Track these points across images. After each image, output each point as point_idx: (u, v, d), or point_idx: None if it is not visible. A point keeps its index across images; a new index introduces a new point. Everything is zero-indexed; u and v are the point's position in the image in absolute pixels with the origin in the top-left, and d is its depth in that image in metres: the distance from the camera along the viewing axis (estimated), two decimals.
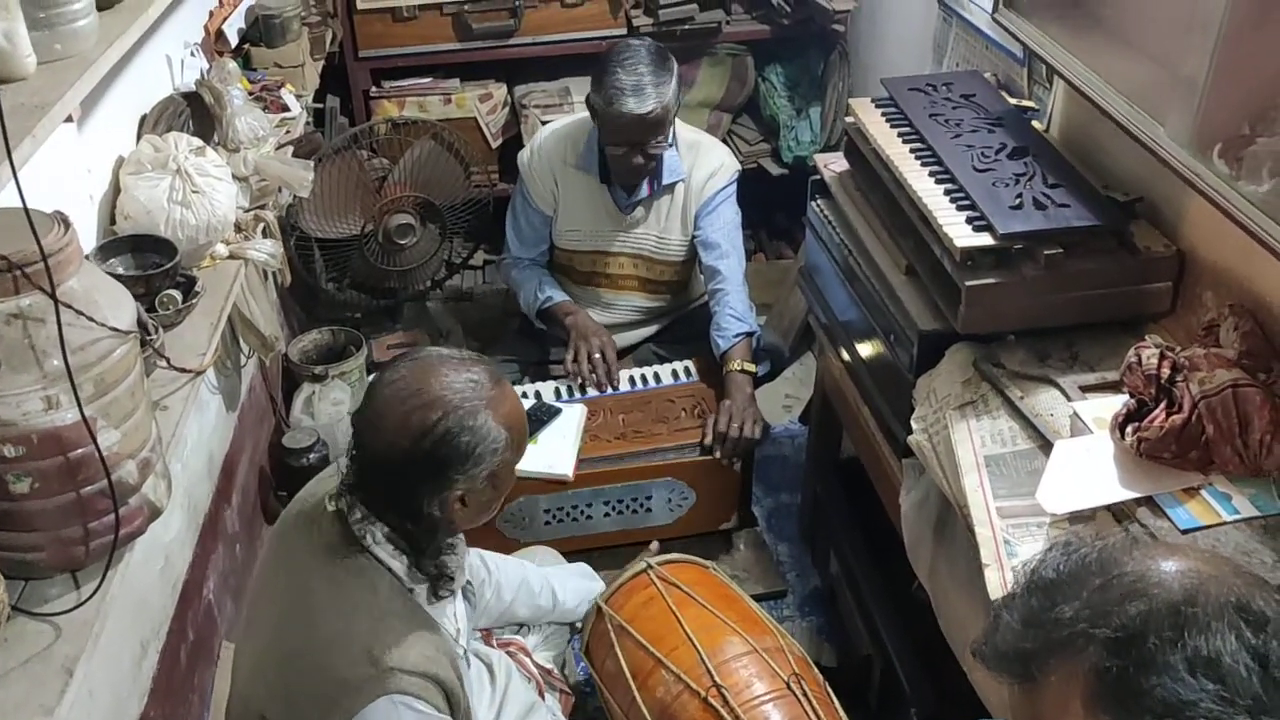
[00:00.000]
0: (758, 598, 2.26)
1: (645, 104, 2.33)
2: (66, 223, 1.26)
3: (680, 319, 2.80)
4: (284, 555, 1.60)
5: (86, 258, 1.72)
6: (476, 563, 1.95)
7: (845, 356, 2.14)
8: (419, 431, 1.41)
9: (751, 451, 2.42)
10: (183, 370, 1.69)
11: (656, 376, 2.57)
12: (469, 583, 1.74)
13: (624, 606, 1.98)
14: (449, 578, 1.53)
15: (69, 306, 1.21)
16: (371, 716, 1.39)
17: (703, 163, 2.56)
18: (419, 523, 1.47)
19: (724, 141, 3.44)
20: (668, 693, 1.83)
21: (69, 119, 1.39)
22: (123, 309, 1.32)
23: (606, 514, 2.38)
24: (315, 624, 1.46)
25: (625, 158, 2.42)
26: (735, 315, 2.50)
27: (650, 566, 2.02)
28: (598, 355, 2.52)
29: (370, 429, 1.45)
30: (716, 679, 1.79)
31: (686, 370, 2.58)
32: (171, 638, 1.95)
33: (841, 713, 1.84)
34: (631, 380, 2.56)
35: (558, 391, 2.52)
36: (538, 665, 2.00)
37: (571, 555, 2.21)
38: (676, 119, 2.60)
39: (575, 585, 2.06)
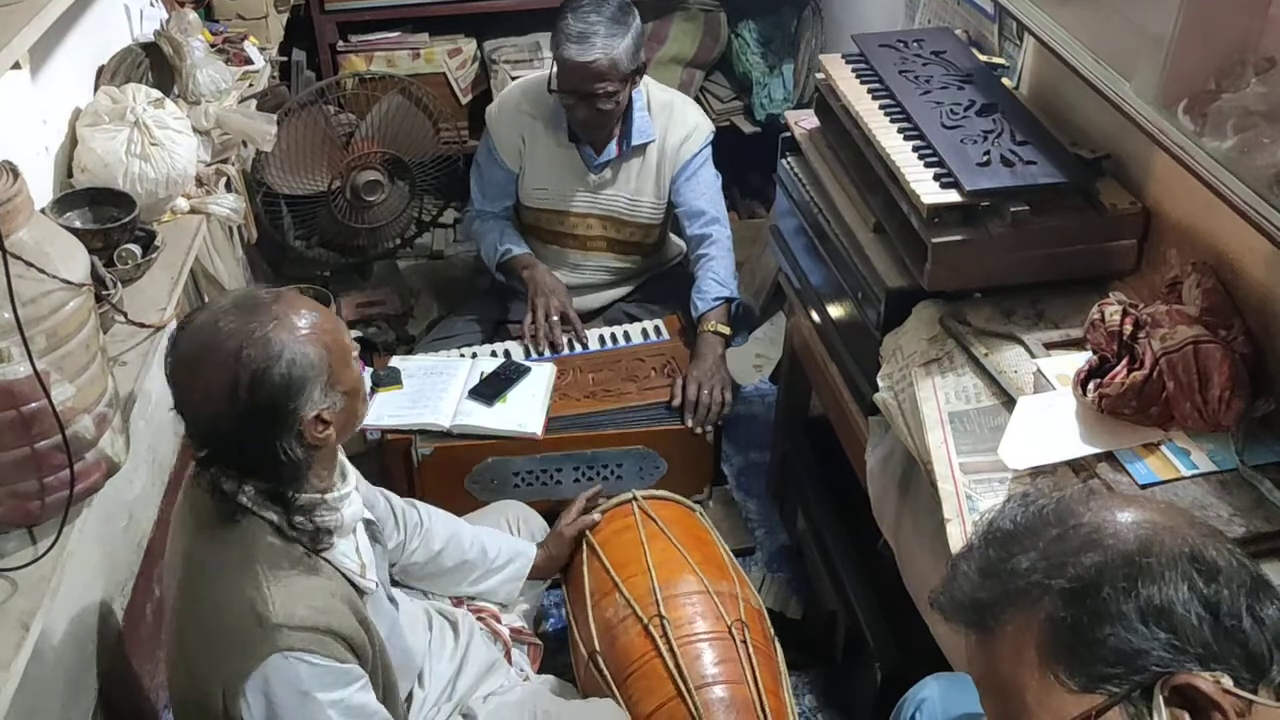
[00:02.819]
0: None
1: (589, 52, 2.30)
2: (15, 172, 1.23)
3: (651, 279, 2.78)
4: (176, 541, 1.52)
5: (42, 211, 1.70)
6: (405, 508, 1.91)
7: (814, 315, 2.14)
8: (229, 391, 1.33)
9: (723, 419, 2.41)
10: (142, 325, 1.67)
11: (626, 335, 2.56)
12: (373, 523, 1.66)
13: (602, 530, 2.05)
14: (327, 531, 1.46)
15: (18, 258, 1.18)
16: (266, 674, 1.36)
17: (676, 124, 2.53)
18: (283, 470, 1.39)
19: (697, 99, 3.41)
20: (615, 615, 1.89)
21: (17, 66, 1.35)
22: (75, 261, 1.29)
23: (576, 479, 2.37)
24: (201, 592, 1.41)
25: (573, 109, 2.40)
26: (717, 280, 2.50)
27: (636, 498, 2.07)
28: (555, 317, 2.50)
29: (189, 410, 1.38)
30: (662, 610, 1.85)
31: (656, 329, 2.57)
32: (137, 594, 1.95)
33: (783, 667, 1.87)
34: (601, 339, 2.55)
35: (527, 350, 2.51)
36: (508, 626, 2.01)
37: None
38: (648, 79, 2.57)
39: (507, 545, 2.01)
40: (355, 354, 1.48)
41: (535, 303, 2.52)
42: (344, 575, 1.49)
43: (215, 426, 1.36)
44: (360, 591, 1.52)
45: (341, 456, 1.60)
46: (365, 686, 1.47)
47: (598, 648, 1.88)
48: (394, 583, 1.85)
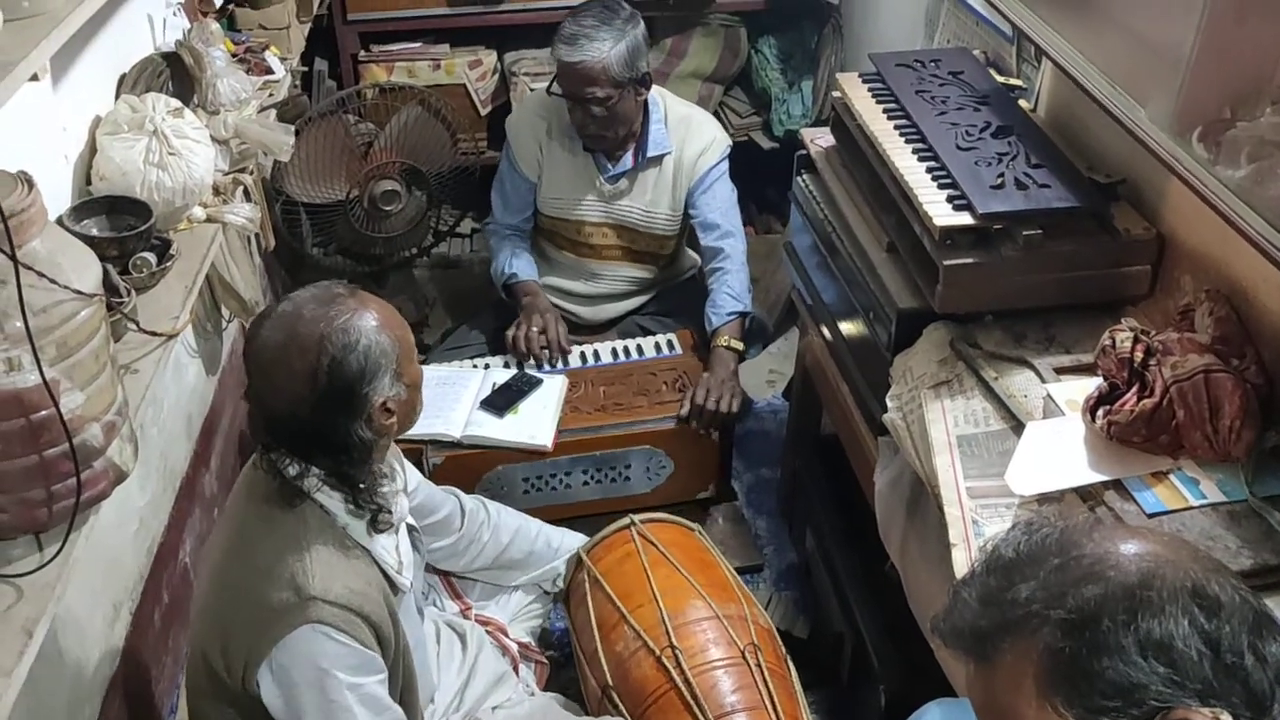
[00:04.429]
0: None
1: (575, 54, 2.34)
2: (30, 183, 1.24)
3: (666, 292, 2.78)
4: (229, 512, 1.65)
5: (59, 220, 1.71)
6: (474, 505, 2.01)
7: (826, 333, 2.13)
8: (310, 375, 1.44)
9: (731, 424, 2.41)
10: (154, 334, 1.68)
11: (639, 349, 2.57)
12: (415, 530, 1.76)
13: (602, 559, 2.03)
14: (388, 511, 1.57)
15: (30, 268, 1.19)
16: (293, 644, 1.44)
17: (693, 138, 2.54)
18: (353, 452, 1.50)
19: (715, 114, 3.42)
20: (626, 648, 1.87)
21: (34, 78, 1.36)
22: (88, 271, 1.30)
23: (585, 482, 2.38)
24: (250, 558, 1.50)
25: (571, 112, 2.44)
26: (731, 294, 2.50)
27: (634, 523, 2.05)
28: (536, 330, 2.49)
29: (268, 396, 1.49)
30: (673, 640, 1.83)
31: (669, 344, 2.58)
32: (145, 600, 1.96)
33: (798, 687, 1.85)
34: (614, 352, 2.56)
35: (539, 362, 2.51)
36: (515, 641, 2.02)
37: (552, 524, 2.21)
38: (667, 94, 2.58)
39: (570, 540, 2.11)
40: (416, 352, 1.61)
41: (527, 319, 2.52)
42: (381, 569, 1.57)
43: (293, 409, 1.46)
44: (395, 590, 1.59)
45: (396, 459, 1.71)
46: (383, 681, 1.53)
47: (610, 682, 1.85)
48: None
